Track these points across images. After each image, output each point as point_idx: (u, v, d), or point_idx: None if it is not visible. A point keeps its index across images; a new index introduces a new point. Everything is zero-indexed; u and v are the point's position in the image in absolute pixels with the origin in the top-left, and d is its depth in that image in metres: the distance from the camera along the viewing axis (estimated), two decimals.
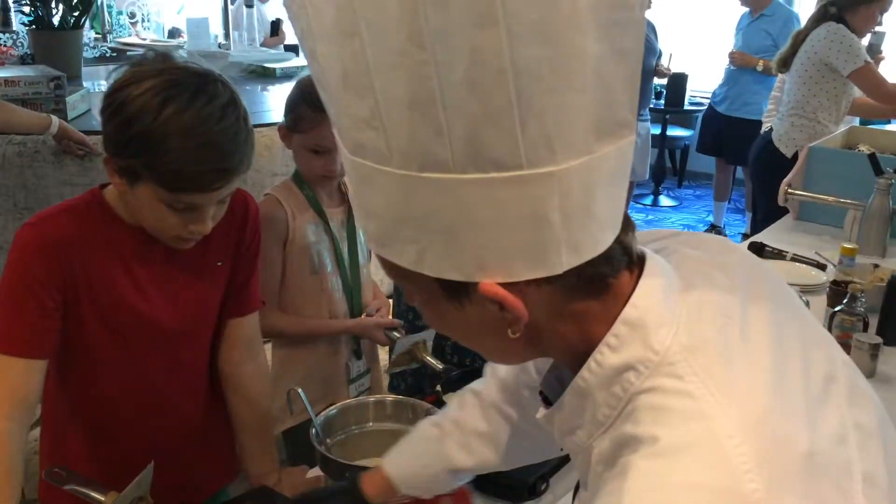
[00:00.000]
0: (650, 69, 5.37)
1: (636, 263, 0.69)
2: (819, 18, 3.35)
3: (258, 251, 1.40)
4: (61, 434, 1.34)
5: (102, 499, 1.15)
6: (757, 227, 3.59)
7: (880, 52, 4.28)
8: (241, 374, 1.42)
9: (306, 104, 1.67)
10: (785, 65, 3.44)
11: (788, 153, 3.35)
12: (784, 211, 3.12)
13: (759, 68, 4.83)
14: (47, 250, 1.16)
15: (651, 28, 5.39)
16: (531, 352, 0.72)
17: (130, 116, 1.06)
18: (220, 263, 1.31)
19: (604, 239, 0.65)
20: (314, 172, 1.76)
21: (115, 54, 4.52)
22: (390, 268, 0.68)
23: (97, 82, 3.53)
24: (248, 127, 1.15)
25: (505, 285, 0.63)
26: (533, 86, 0.56)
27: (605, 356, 0.66)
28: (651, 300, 0.67)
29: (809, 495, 0.59)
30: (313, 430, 1.27)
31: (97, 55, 4.48)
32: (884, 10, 3.43)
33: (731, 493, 0.57)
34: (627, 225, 0.69)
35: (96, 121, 2.85)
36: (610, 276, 0.67)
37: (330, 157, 1.71)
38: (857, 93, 3.57)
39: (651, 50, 5.32)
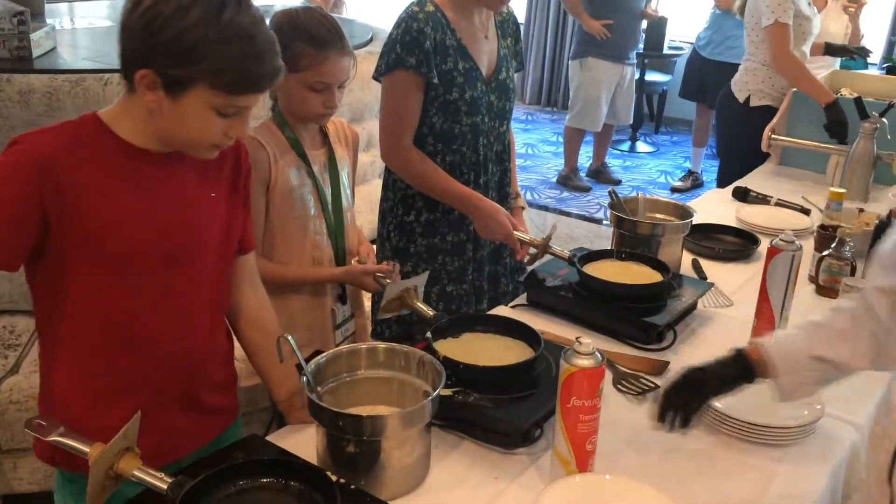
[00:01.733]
0: (638, 11, 5.29)
1: None
2: None
3: (249, 190, 1.42)
4: (52, 372, 1.29)
5: (87, 450, 1.11)
6: (721, 171, 3.58)
7: None
8: (249, 305, 1.45)
9: (304, 41, 1.64)
10: (743, 10, 3.35)
11: (741, 97, 3.29)
12: (745, 155, 3.10)
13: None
14: (27, 167, 1.13)
15: None
16: None
17: (189, 25, 1.11)
18: (213, 195, 1.32)
19: None
20: (312, 111, 1.71)
21: None
22: None
23: (61, 20, 3.38)
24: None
25: None
26: None
27: None
28: None
29: None
30: (304, 378, 1.23)
31: None
32: None
33: None
34: None
35: (62, 59, 2.75)
36: None
37: (330, 93, 1.69)
38: (822, 38, 3.51)
39: None
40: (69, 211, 1.16)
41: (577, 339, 1.22)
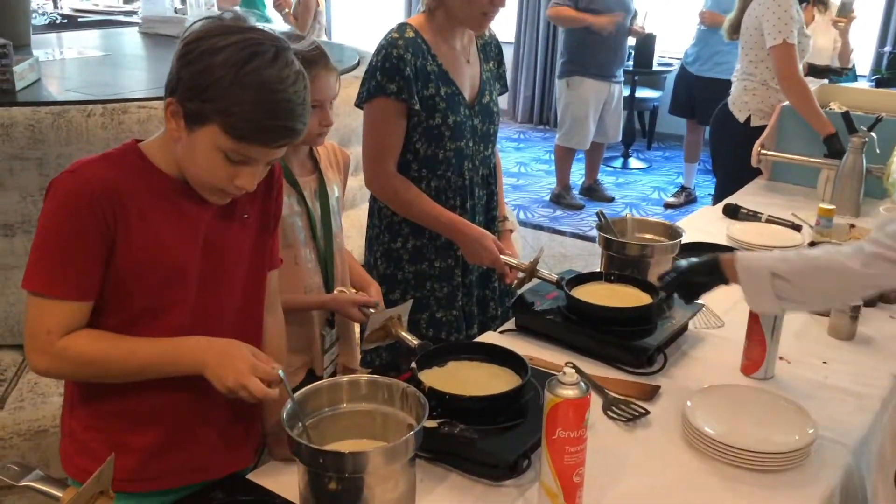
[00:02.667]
0: (625, 29, 5.30)
1: None
2: None
3: (280, 212, 1.45)
4: (86, 388, 1.32)
5: (60, 495, 1.08)
6: (718, 189, 3.56)
7: (851, 10, 4.23)
8: (265, 326, 1.45)
9: None
10: (735, 30, 3.30)
11: (741, 118, 3.26)
12: (744, 175, 3.09)
13: None
14: (93, 196, 1.17)
15: None
16: None
17: (216, 64, 1.14)
18: (246, 216, 1.35)
19: None
20: (309, 132, 1.67)
21: (65, 21, 4.33)
22: None
23: (44, 51, 3.38)
24: (309, 98, 1.23)
25: None
26: None
27: None
28: None
29: None
30: (284, 415, 1.20)
31: (47, 22, 4.29)
32: None
33: None
34: None
35: (46, 91, 2.74)
36: None
37: (324, 111, 1.71)
38: (812, 57, 3.50)
39: (626, 9, 5.24)
40: (121, 237, 1.20)
41: (566, 363, 1.19)
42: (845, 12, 4.20)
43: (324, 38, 5.72)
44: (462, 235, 1.96)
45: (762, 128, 3.11)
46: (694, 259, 1.62)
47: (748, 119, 3.22)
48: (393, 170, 1.97)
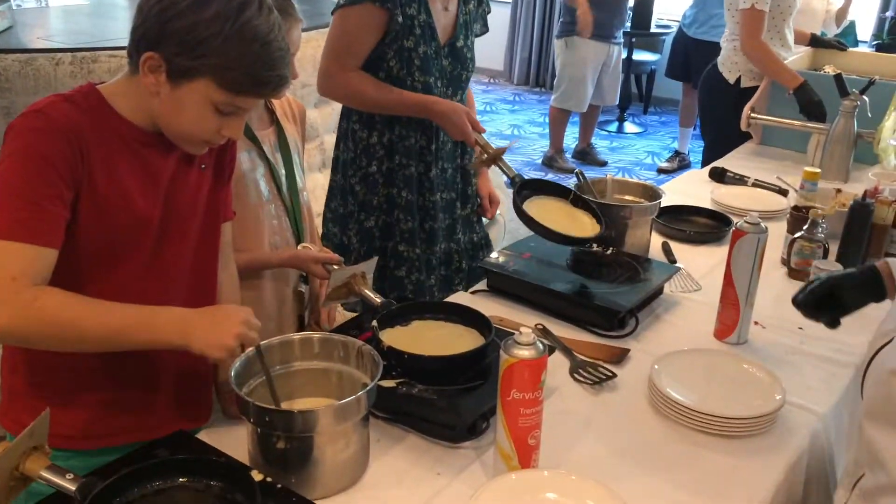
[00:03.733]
0: None
1: None
2: None
3: (234, 162, 1.41)
4: (32, 354, 1.26)
5: None
6: (707, 152, 3.50)
7: None
8: (218, 280, 1.41)
9: None
10: None
11: (731, 79, 3.19)
12: (733, 137, 3.02)
13: None
14: (60, 135, 1.12)
15: None
16: None
17: (206, 18, 1.10)
18: (203, 167, 1.32)
19: None
20: None
21: None
22: None
23: None
24: None
25: None
26: None
27: None
28: None
29: None
30: (232, 372, 1.17)
31: None
32: None
33: None
34: None
35: (17, 38, 2.66)
36: None
37: (291, 63, 1.62)
38: (801, 20, 3.41)
39: None
40: (85, 181, 1.15)
41: (536, 325, 1.16)
42: None
43: None
44: (432, 112, 1.93)
45: (752, 89, 3.05)
46: (840, 270, 1.41)
47: (738, 80, 3.15)
48: (355, 68, 1.93)
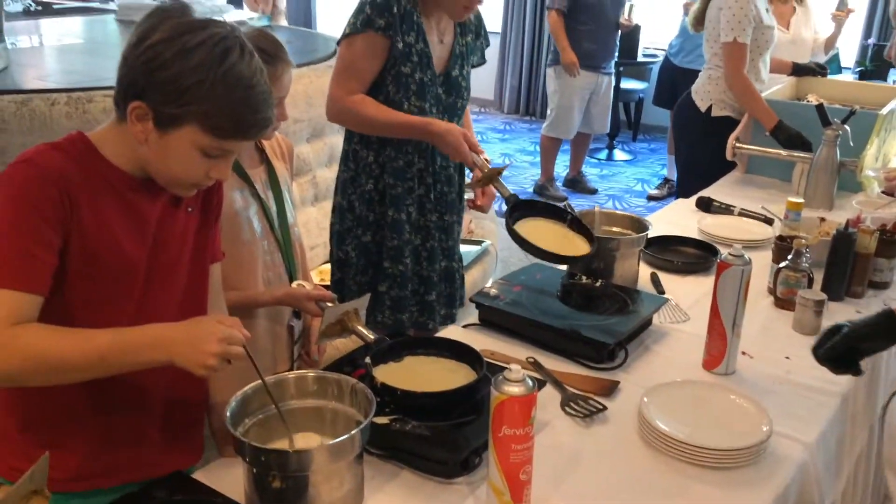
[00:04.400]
0: (615, 21, 5.29)
1: None
2: None
3: (221, 204, 1.44)
4: (14, 391, 1.27)
5: None
6: (679, 180, 3.55)
7: (847, 6, 4.23)
8: None
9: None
10: (699, 22, 3.28)
11: (703, 106, 3.24)
12: (702, 165, 3.07)
13: None
14: (50, 183, 1.14)
15: None
16: None
17: (191, 67, 1.12)
18: (190, 209, 1.35)
19: None
20: None
21: (40, 7, 4.27)
22: None
23: (18, 38, 3.33)
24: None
25: None
26: None
27: None
28: None
29: None
30: (227, 413, 1.19)
31: (21, 9, 4.24)
32: None
33: None
34: None
35: (12, 79, 2.70)
36: None
37: (281, 105, 1.72)
38: (775, 51, 3.48)
39: (618, 2, 5.24)
40: (74, 228, 1.17)
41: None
42: (843, 7, 4.20)
43: (283, 22, 5.68)
44: (429, 134, 2.01)
45: (723, 118, 3.11)
46: (859, 318, 1.40)
47: (709, 108, 3.21)
48: (357, 91, 2.02)
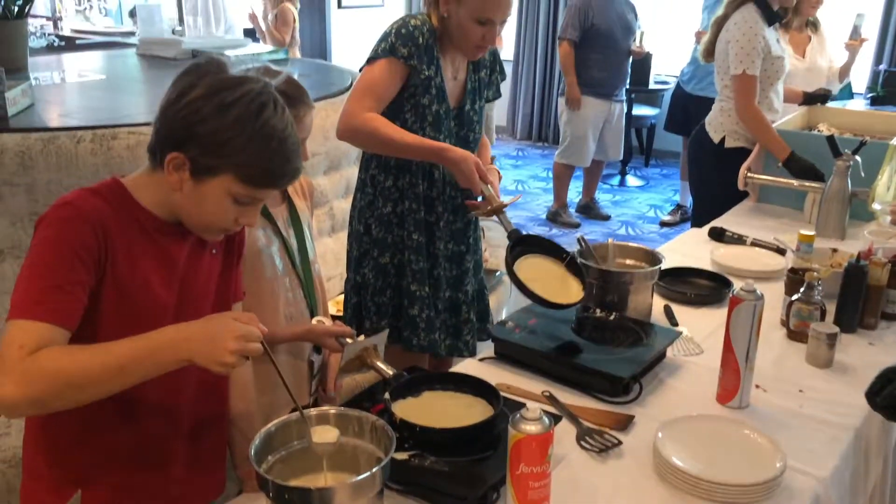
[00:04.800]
0: (627, 49, 5.35)
1: None
2: (738, 1, 3.12)
3: (243, 245, 1.50)
4: (51, 423, 1.31)
5: None
6: (694, 210, 3.57)
7: (860, 35, 4.26)
8: None
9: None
10: (710, 53, 3.29)
11: (716, 138, 3.25)
12: (717, 196, 3.09)
13: None
14: (87, 227, 1.20)
15: (631, 8, 5.37)
16: None
17: (230, 121, 1.20)
18: (214, 252, 1.41)
19: None
20: None
21: (62, 43, 4.37)
22: None
23: (42, 74, 3.41)
24: None
25: None
26: None
27: None
28: None
29: None
30: (252, 451, 1.22)
31: (45, 45, 4.34)
32: None
33: None
34: None
35: (39, 117, 2.77)
36: None
37: (303, 146, 1.75)
38: (791, 79, 3.51)
39: (630, 30, 5.31)
40: (108, 271, 1.23)
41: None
42: (857, 35, 4.24)
43: (297, 54, 5.78)
44: (444, 158, 2.03)
45: (737, 150, 3.13)
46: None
47: (722, 140, 3.23)
48: (374, 110, 2.04)
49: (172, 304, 1.32)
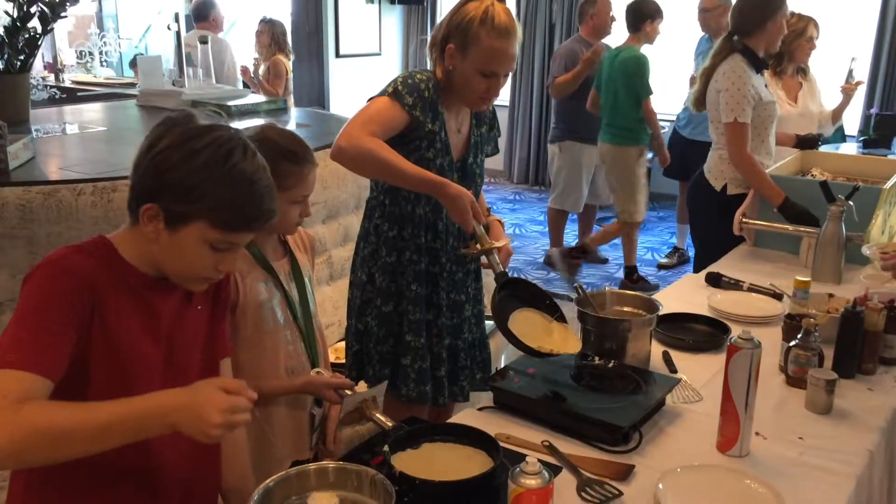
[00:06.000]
0: None
1: None
2: (724, 52, 3.18)
3: (229, 300, 1.53)
4: (37, 479, 1.31)
5: None
6: (697, 257, 3.59)
7: (855, 78, 4.34)
8: None
9: (288, 161, 1.72)
10: (700, 103, 3.33)
11: (717, 186, 3.28)
12: (722, 243, 3.11)
13: None
14: (75, 283, 1.21)
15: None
16: None
17: (196, 167, 1.22)
18: (199, 308, 1.42)
19: None
20: (290, 223, 1.80)
21: (64, 95, 4.43)
22: None
23: (44, 127, 3.45)
24: None
25: None
26: None
27: None
28: None
29: None
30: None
31: (46, 97, 4.40)
32: (784, 15, 3.15)
33: None
34: None
35: (39, 170, 2.80)
36: None
37: (305, 203, 1.79)
38: (784, 124, 3.56)
39: None
40: (96, 328, 1.23)
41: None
42: (851, 79, 4.31)
43: (291, 103, 5.86)
44: (441, 192, 1.99)
45: (739, 196, 3.16)
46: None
47: (724, 188, 3.26)
48: (376, 136, 1.97)
49: (160, 359, 1.33)
